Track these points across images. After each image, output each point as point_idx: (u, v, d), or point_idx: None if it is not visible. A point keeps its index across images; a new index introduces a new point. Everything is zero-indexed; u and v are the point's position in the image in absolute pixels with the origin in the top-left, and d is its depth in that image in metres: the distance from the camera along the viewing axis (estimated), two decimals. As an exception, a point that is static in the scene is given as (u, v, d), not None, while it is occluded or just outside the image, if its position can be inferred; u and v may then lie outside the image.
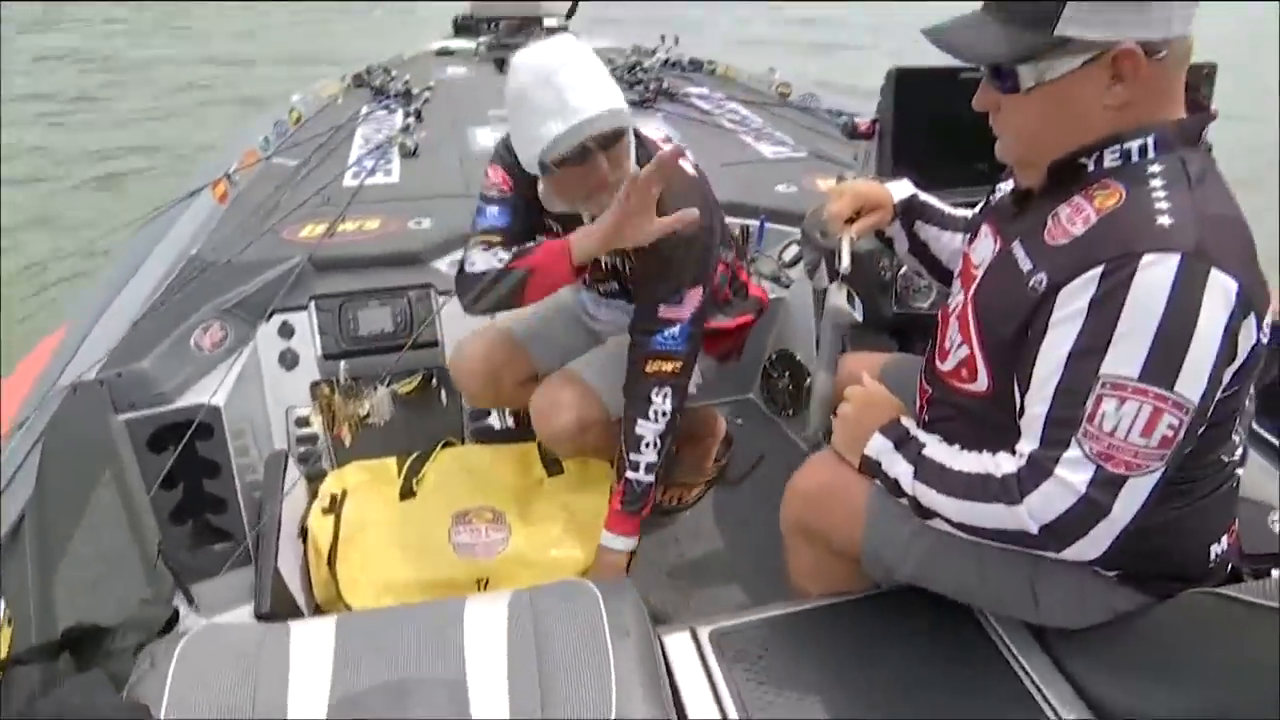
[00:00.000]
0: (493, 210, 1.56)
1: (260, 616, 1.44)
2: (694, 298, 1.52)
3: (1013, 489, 0.97)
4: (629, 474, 1.55)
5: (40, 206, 5.40)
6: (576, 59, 1.40)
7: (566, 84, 1.36)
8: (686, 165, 1.58)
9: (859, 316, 1.31)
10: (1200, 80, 1.65)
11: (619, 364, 1.59)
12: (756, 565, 1.75)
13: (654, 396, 1.53)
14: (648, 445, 1.54)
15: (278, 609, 1.45)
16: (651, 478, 1.56)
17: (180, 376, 1.71)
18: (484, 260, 1.48)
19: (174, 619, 1.21)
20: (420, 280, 2.06)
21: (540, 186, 1.54)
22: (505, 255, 1.47)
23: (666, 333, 1.52)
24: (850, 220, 1.32)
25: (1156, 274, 0.86)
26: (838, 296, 1.31)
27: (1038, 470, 0.95)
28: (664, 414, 1.54)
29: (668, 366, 1.53)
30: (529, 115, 1.40)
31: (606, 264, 1.63)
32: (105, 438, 1.51)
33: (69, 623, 1.16)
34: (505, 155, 1.58)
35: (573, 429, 1.63)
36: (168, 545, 1.40)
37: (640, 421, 1.54)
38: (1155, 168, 0.94)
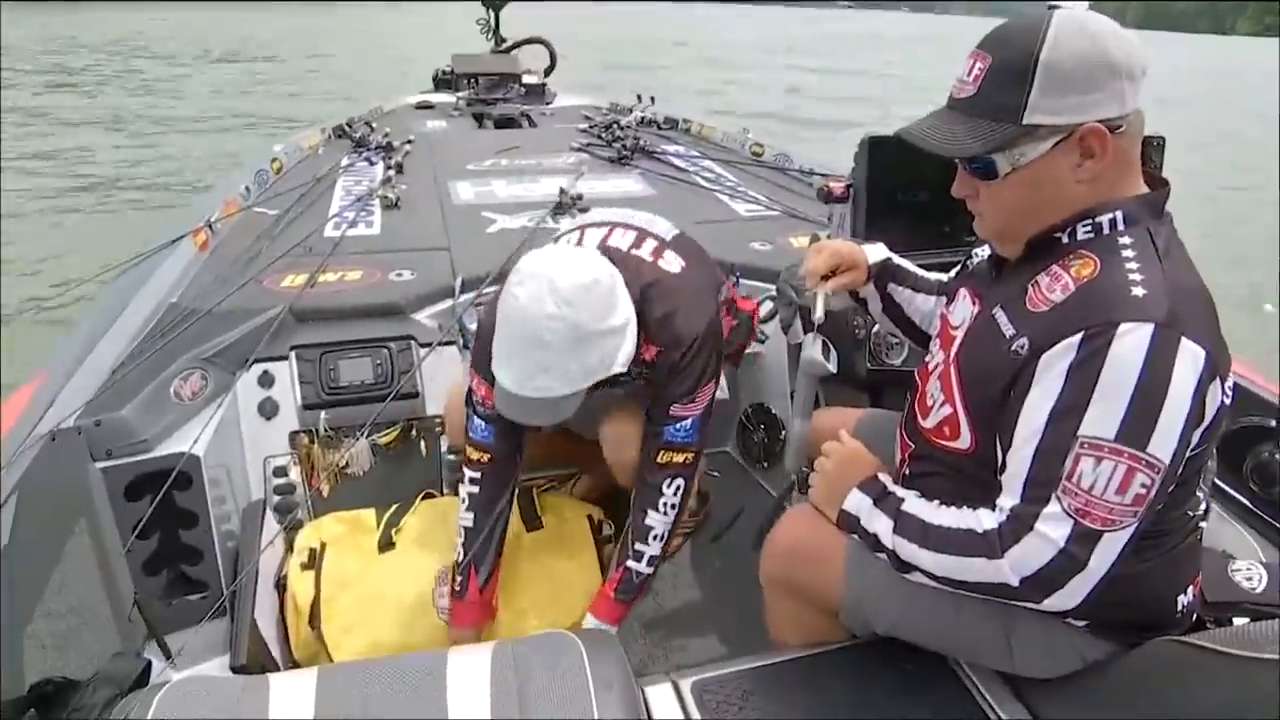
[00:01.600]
0: (479, 424, 1.59)
1: (236, 669, 1.41)
2: (707, 393, 1.55)
3: (995, 543, 1.00)
4: (630, 563, 1.55)
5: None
6: (555, 334, 1.31)
7: (531, 362, 1.33)
8: (669, 262, 1.55)
9: (833, 367, 1.36)
10: (1152, 151, 1.75)
11: None
12: (734, 616, 1.76)
13: (665, 488, 1.54)
14: (655, 537, 1.55)
15: (253, 662, 1.43)
16: (651, 570, 1.57)
17: (159, 425, 1.70)
18: (466, 498, 1.60)
19: (146, 672, 1.19)
20: (401, 332, 2.07)
21: None
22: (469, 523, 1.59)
23: (679, 426, 1.54)
24: (826, 277, 1.37)
25: (1132, 341, 0.91)
26: (813, 348, 1.36)
27: (1019, 525, 0.99)
28: (673, 506, 1.56)
29: (679, 458, 1.55)
30: (497, 346, 1.38)
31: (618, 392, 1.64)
32: (82, 486, 1.49)
33: (37, 677, 1.14)
34: (482, 358, 1.52)
35: None
36: (142, 596, 1.38)
37: (650, 513, 1.55)
38: (1126, 239, 1.00)
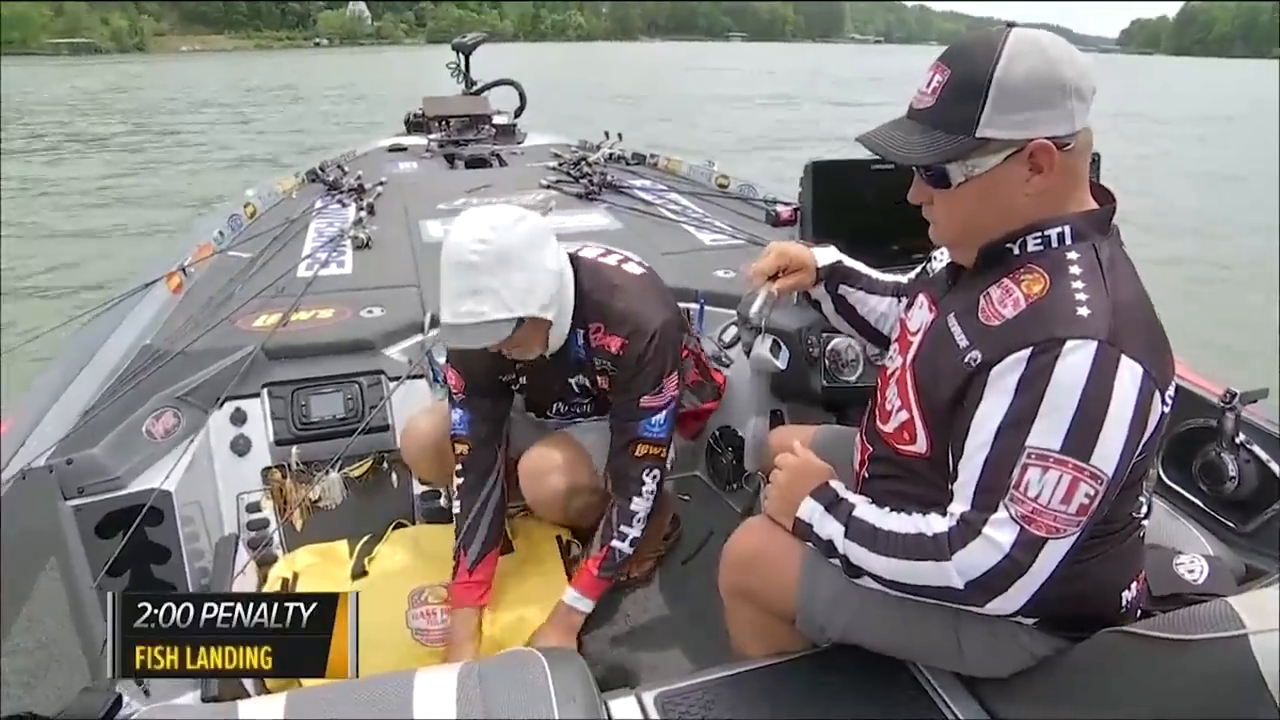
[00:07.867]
0: (456, 415, 1.71)
1: (207, 700, 1.42)
2: (672, 383, 1.63)
3: (944, 547, 1.04)
4: (615, 543, 1.63)
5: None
6: (482, 255, 1.39)
7: (462, 285, 1.40)
8: (632, 268, 1.69)
9: (782, 365, 1.38)
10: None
11: (608, 433, 1.69)
12: (703, 633, 1.78)
13: (645, 476, 1.64)
14: (638, 520, 1.64)
15: (225, 693, 1.43)
16: (631, 550, 1.65)
17: (131, 463, 1.71)
18: (456, 489, 1.71)
19: (116, 707, 1.19)
20: (372, 367, 2.11)
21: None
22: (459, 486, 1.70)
23: (653, 420, 1.62)
24: (774, 278, 1.41)
25: (1076, 358, 0.96)
26: (761, 346, 1.39)
27: (968, 530, 1.02)
28: (651, 492, 1.65)
29: (655, 450, 1.63)
30: (442, 290, 1.44)
31: (578, 385, 1.71)
32: (52, 524, 1.51)
33: (5, 714, 1.15)
34: (454, 351, 1.67)
35: (562, 493, 1.71)
36: None
37: (635, 499, 1.64)
38: (1073, 254, 1.04)
